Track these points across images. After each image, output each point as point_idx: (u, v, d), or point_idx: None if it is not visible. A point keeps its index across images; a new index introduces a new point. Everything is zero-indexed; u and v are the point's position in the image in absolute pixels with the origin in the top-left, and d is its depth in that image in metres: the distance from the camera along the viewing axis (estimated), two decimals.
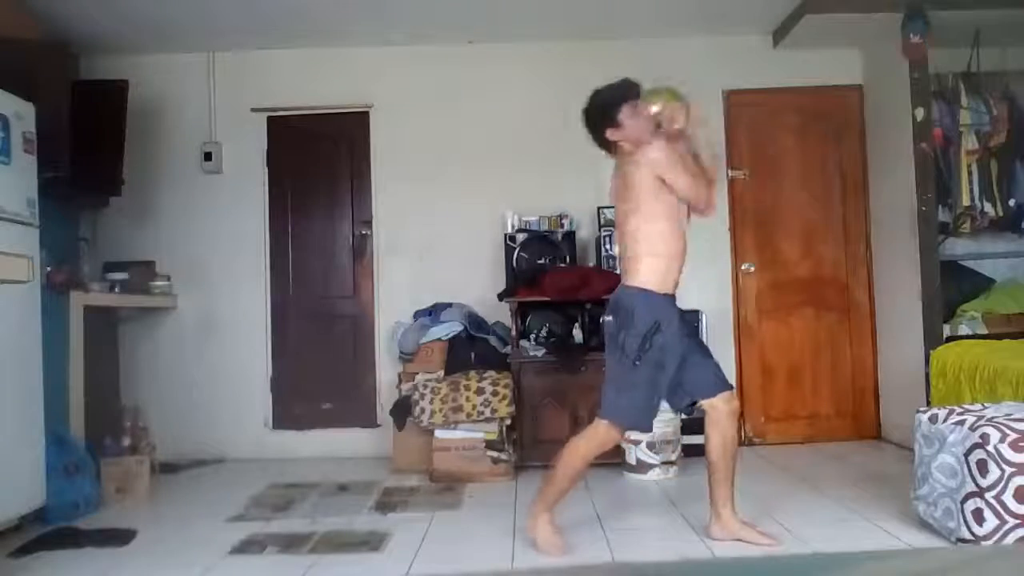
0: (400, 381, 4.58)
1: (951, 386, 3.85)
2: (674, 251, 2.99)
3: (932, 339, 4.20)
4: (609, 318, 2.96)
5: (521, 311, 4.53)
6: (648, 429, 3.05)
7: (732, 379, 4.91)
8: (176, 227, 5.06)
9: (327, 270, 5.15)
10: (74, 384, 4.02)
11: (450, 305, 4.76)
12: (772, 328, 5.03)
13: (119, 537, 3.29)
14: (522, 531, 3.15)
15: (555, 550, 2.91)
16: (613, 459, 4.20)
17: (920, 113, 4.27)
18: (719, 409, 2.97)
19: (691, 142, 3.01)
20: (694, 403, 3.03)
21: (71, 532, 3.36)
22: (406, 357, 4.62)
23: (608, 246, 4.67)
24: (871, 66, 4.96)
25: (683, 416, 4.42)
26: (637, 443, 4.07)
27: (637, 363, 2.84)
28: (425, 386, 4.28)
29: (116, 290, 4.54)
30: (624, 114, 2.96)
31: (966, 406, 3.05)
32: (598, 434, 2.94)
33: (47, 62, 4.00)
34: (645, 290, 2.90)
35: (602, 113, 2.98)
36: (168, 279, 4.94)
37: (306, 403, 5.02)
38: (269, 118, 5.12)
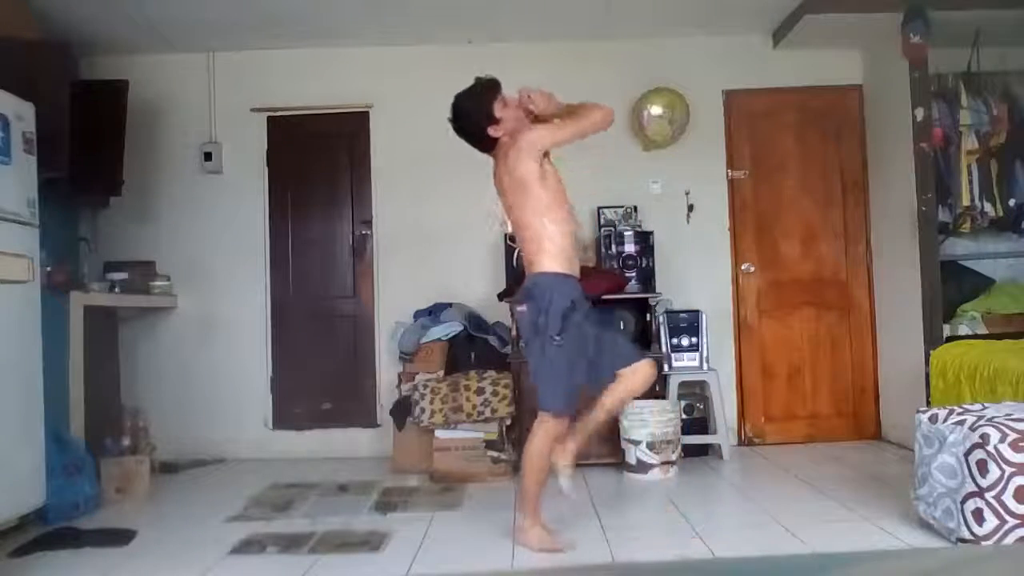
0: (400, 381, 4.58)
1: (951, 386, 3.85)
2: (568, 235, 3.06)
3: (932, 339, 4.20)
4: (523, 307, 2.99)
5: None
6: (571, 413, 3.04)
7: (732, 379, 4.96)
8: (176, 227, 5.06)
9: (327, 270, 5.15)
10: (74, 384, 4.02)
11: (450, 305, 4.76)
12: (772, 328, 5.03)
13: (119, 537, 3.29)
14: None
15: (554, 546, 2.92)
16: (613, 459, 4.22)
17: (920, 113, 4.27)
18: (633, 374, 2.95)
19: (559, 111, 3.10)
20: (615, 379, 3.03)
21: (71, 532, 3.36)
22: (406, 357, 4.61)
23: (610, 246, 4.67)
24: (871, 66, 4.96)
25: (683, 416, 4.44)
26: (637, 443, 4.07)
27: (559, 343, 2.86)
28: (425, 386, 4.28)
29: (116, 290, 4.54)
30: (498, 109, 3.04)
31: (966, 406, 3.05)
32: (548, 430, 2.96)
33: (47, 62, 4.00)
34: (557, 273, 2.95)
35: (480, 115, 3.05)
36: (168, 279, 4.94)
37: (306, 403, 5.02)
38: (269, 118, 5.12)
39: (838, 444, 4.79)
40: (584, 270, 4.60)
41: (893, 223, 4.66)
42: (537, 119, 3.05)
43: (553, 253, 2.96)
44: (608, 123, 3.08)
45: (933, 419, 2.98)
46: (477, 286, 4.92)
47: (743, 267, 5.04)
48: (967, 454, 2.75)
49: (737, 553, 2.82)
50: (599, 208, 4.85)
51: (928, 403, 3.98)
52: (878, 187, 4.92)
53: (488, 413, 4.18)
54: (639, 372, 2.97)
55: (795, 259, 5.04)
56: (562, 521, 3.19)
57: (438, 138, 5.10)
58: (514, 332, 4.41)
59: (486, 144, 3.11)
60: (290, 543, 3.17)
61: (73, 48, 4.54)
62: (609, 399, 2.99)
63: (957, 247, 4.77)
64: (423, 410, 4.22)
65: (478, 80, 3.10)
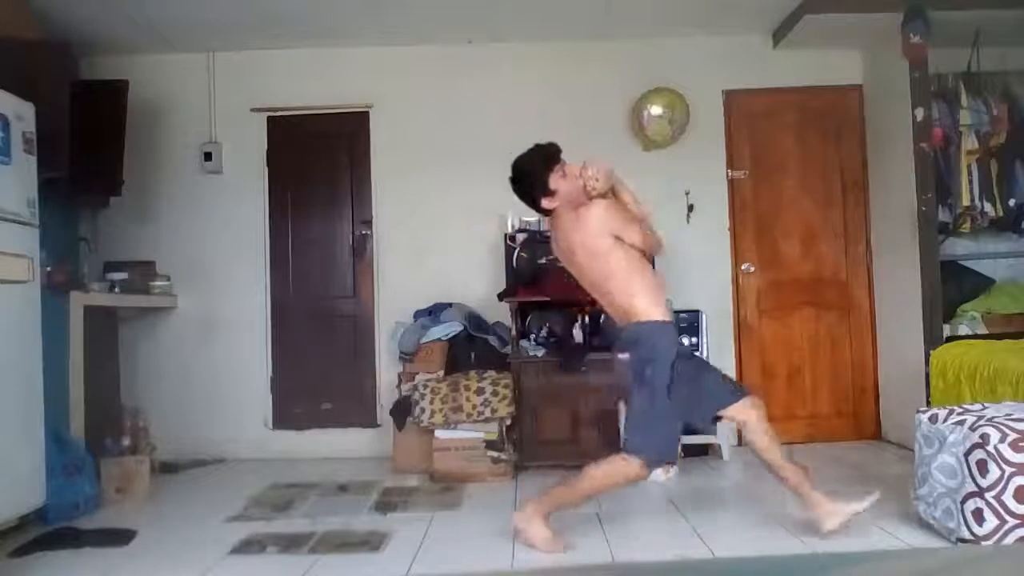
0: (400, 381, 4.58)
1: (951, 386, 3.85)
2: (657, 281, 3.05)
3: (932, 339, 4.20)
4: (624, 355, 2.97)
5: (521, 311, 4.53)
6: (675, 459, 3.07)
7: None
8: (176, 227, 5.06)
9: (327, 270, 5.15)
10: (74, 384, 4.02)
11: (450, 305, 4.76)
12: (772, 328, 5.03)
13: (119, 537, 3.29)
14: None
15: (555, 549, 2.92)
16: None
17: (920, 113, 4.27)
18: (750, 413, 2.97)
19: (619, 195, 3.08)
20: (719, 417, 3.04)
21: (71, 532, 3.36)
22: (406, 357, 4.61)
23: None
24: (871, 66, 4.96)
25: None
26: None
27: (670, 395, 2.85)
28: (425, 386, 4.28)
29: (116, 290, 4.54)
30: (554, 181, 2.98)
31: (966, 406, 3.05)
32: (628, 472, 2.91)
33: (47, 62, 4.00)
34: (659, 322, 2.92)
35: (532, 184, 3.01)
36: (168, 279, 4.94)
37: (306, 403, 5.02)
38: (269, 118, 5.12)
39: (838, 444, 4.79)
40: None
41: (893, 223, 4.66)
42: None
43: (650, 300, 2.93)
44: (655, 253, 3.11)
45: (933, 419, 2.98)
46: (477, 286, 4.92)
47: (743, 267, 5.04)
48: (967, 454, 2.75)
49: (737, 553, 2.82)
50: None
51: (928, 403, 3.98)
52: (878, 187, 4.92)
53: (488, 413, 4.18)
54: (760, 418, 2.96)
55: (795, 259, 5.04)
56: (562, 521, 3.18)
57: (438, 138, 5.16)
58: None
59: (540, 210, 3.08)
60: (290, 543, 3.17)
61: (73, 48, 4.54)
62: (777, 458, 2.97)
63: (957, 247, 4.77)
64: (423, 410, 4.22)
65: (537, 146, 3.06)
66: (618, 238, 2.93)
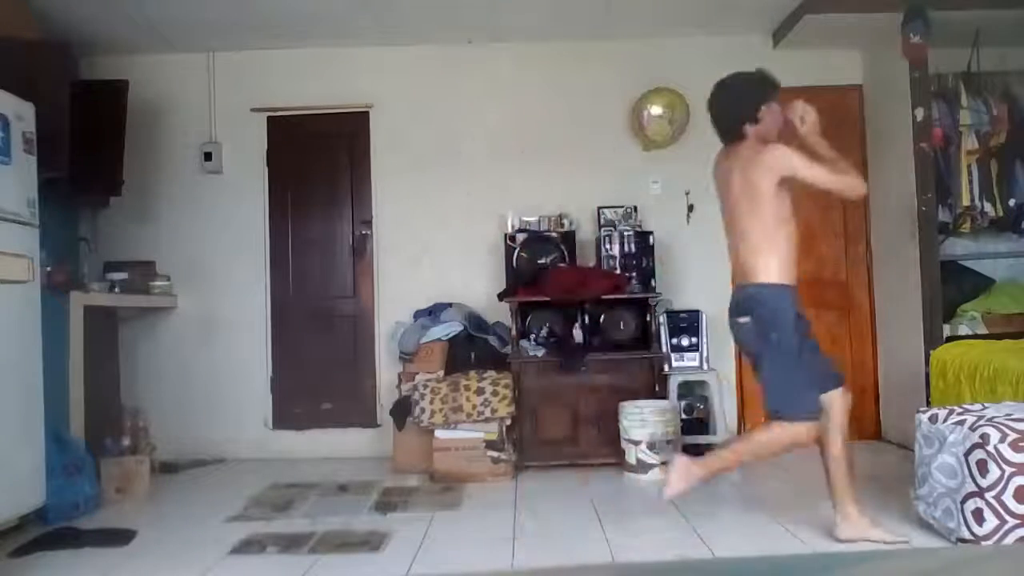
0: (400, 381, 4.58)
1: (951, 386, 3.85)
2: (793, 245, 2.94)
3: (932, 339, 4.20)
4: (746, 319, 2.90)
5: (521, 311, 4.53)
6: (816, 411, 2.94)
7: (732, 379, 4.95)
8: (176, 227, 5.06)
9: (327, 270, 5.15)
10: (74, 384, 4.02)
11: (450, 305, 4.76)
12: None
13: (119, 537, 3.29)
14: (523, 529, 3.20)
15: (679, 490, 2.93)
16: (613, 459, 4.22)
17: (920, 113, 4.27)
18: (836, 404, 2.92)
19: (814, 139, 2.97)
20: None
21: (71, 532, 3.36)
22: (406, 357, 4.62)
23: (607, 246, 4.67)
24: (871, 66, 4.96)
25: (683, 416, 4.44)
26: (637, 443, 4.07)
27: (801, 355, 2.82)
28: (425, 386, 4.28)
29: (116, 290, 4.54)
30: (763, 111, 2.91)
31: (966, 406, 3.05)
32: (799, 437, 2.83)
33: (47, 62, 4.00)
34: (782, 285, 2.88)
35: (747, 105, 2.91)
36: (168, 279, 4.94)
37: (306, 403, 5.02)
38: (269, 118, 5.12)
39: None
40: (584, 270, 4.65)
41: (893, 223, 4.66)
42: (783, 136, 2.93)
43: (777, 262, 2.87)
44: (857, 195, 2.95)
45: (933, 419, 2.98)
46: (477, 286, 4.92)
47: None
48: (967, 454, 2.75)
49: (737, 553, 2.82)
50: (599, 208, 4.85)
51: (928, 403, 3.98)
52: (878, 187, 4.91)
53: (488, 413, 4.18)
54: (844, 410, 2.90)
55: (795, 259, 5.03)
56: (562, 522, 3.19)
57: (438, 138, 5.16)
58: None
59: (730, 132, 2.97)
60: (290, 543, 3.17)
61: (73, 48, 4.54)
62: (839, 453, 2.89)
63: (957, 247, 4.76)
64: (423, 410, 4.22)
65: (762, 71, 2.95)
66: (782, 183, 2.82)
